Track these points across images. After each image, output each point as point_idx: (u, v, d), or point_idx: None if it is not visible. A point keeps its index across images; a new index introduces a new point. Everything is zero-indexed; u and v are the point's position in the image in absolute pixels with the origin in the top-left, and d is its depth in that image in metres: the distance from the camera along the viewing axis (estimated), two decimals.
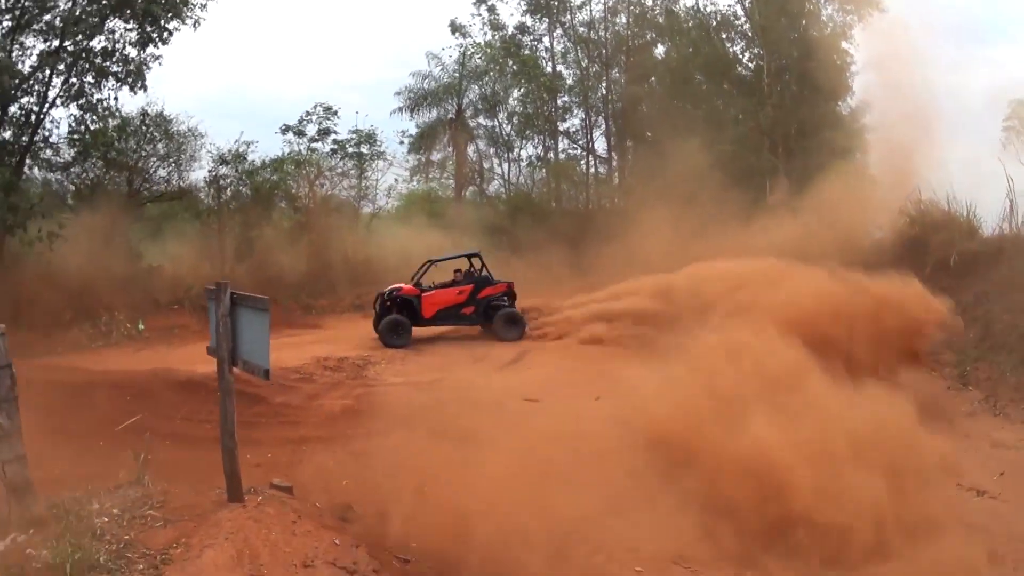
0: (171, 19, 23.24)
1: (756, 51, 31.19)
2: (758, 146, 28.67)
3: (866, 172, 25.61)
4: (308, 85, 54.82)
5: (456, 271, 22.22)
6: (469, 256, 22.53)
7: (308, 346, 20.29)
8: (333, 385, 16.63)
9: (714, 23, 31.77)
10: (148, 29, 23.14)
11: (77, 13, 22.23)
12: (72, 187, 25.71)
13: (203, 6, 23.82)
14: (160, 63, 24.17)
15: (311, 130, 30.45)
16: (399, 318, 20.86)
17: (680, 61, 32.00)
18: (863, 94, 28.68)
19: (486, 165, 35.35)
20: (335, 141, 30.60)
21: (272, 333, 20.24)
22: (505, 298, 21.84)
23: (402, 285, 21.60)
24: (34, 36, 22.46)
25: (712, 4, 32.11)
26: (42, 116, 23.04)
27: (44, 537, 6.59)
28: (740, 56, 32.07)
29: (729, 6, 31.84)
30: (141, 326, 20.47)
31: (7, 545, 6.42)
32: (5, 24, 22.21)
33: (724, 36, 31.78)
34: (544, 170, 35.02)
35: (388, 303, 21.22)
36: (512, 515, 9.10)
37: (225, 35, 48.79)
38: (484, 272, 22.13)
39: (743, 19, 31.62)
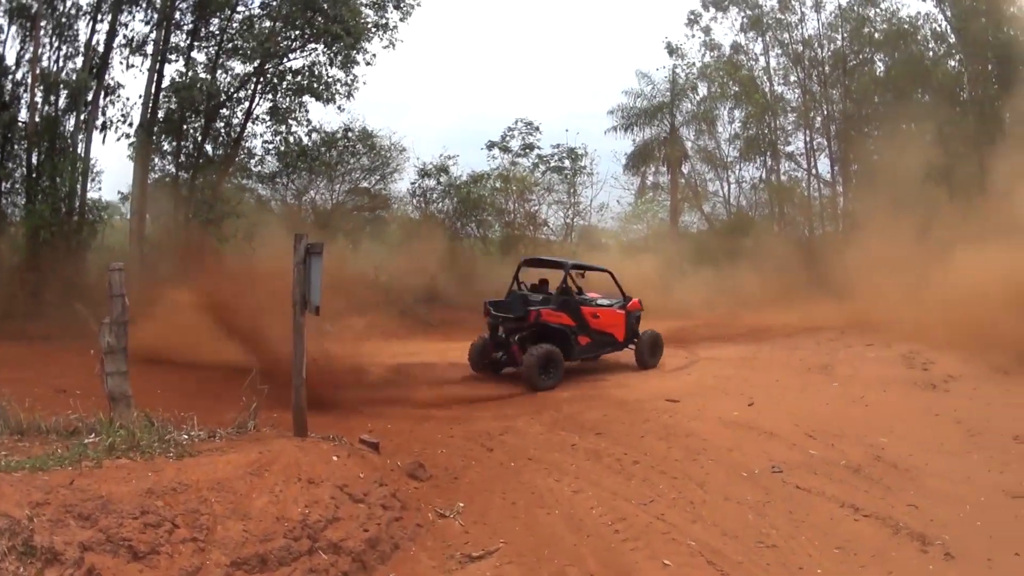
0: (359, 44, 24.90)
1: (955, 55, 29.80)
2: (964, 160, 26.87)
3: None
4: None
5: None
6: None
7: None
8: (490, 377, 16.83)
9: (907, 26, 30.48)
10: (349, 52, 24.90)
11: (277, 39, 24.38)
12: (278, 196, 27.86)
13: (394, 28, 25.58)
14: (363, 83, 26.06)
15: (514, 145, 31.30)
16: None
17: (897, 76, 30.66)
18: None
19: (706, 186, 35.10)
20: (538, 156, 31.36)
21: (466, 336, 21.21)
22: None
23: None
24: (237, 59, 25.01)
25: (904, 5, 31.25)
26: (242, 131, 25.61)
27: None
28: (938, 61, 30.50)
29: (926, 13, 30.85)
30: (328, 327, 21.66)
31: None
32: (210, 50, 24.97)
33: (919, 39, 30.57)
34: (765, 192, 34.28)
35: None
36: (571, 502, 9.01)
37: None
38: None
39: (941, 22, 30.38)
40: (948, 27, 30.25)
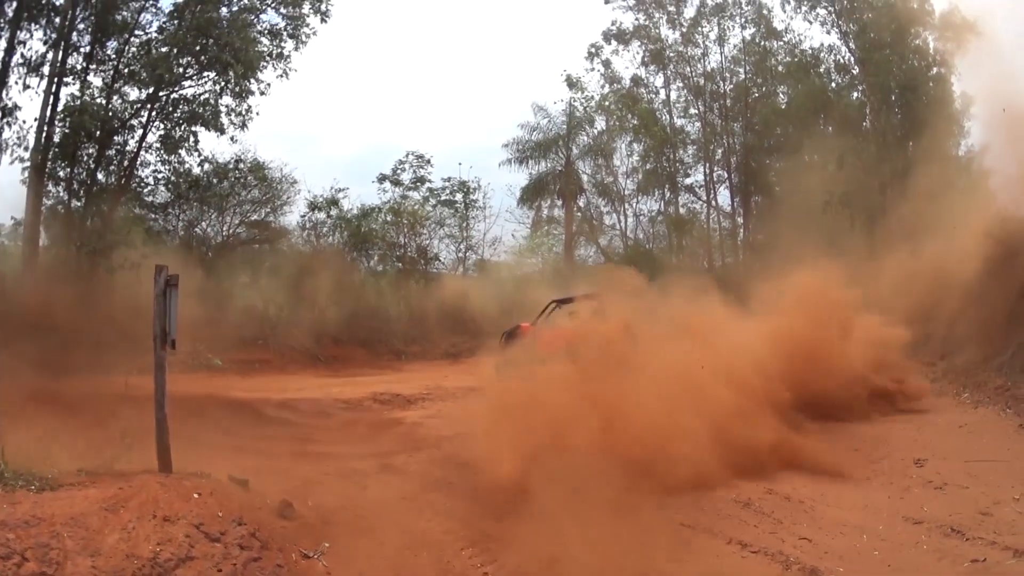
0: (250, 72, 24.64)
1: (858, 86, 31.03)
2: (866, 187, 27.77)
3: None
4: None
5: None
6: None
7: (378, 384, 20.75)
8: (369, 414, 17.08)
9: (809, 57, 31.66)
10: (241, 81, 24.60)
11: (170, 65, 23.86)
12: (170, 226, 27.29)
13: (288, 57, 25.47)
14: (256, 114, 25.70)
15: (406, 178, 31.46)
16: None
17: (799, 107, 31.49)
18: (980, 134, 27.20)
19: (602, 220, 35.48)
20: (428, 189, 31.56)
21: (353, 372, 20.90)
22: None
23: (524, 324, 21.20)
24: (133, 84, 24.35)
25: (808, 37, 32.35)
26: (135, 159, 25.07)
27: None
28: (841, 92, 31.55)
29: (829, 44, 31.86)
30: (218, 361, 21.44)
31: None
32: (107, 74, 24.32)
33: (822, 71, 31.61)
34: (664, 225, 34.83)
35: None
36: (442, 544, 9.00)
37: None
38: None
39: (844, 54, 31.45)
40: (852, 59, 31.32)
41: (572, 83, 34.34)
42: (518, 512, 9.22)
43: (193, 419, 14.51)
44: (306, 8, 25.47)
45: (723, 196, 34.84)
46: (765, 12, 33.24)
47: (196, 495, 8.04)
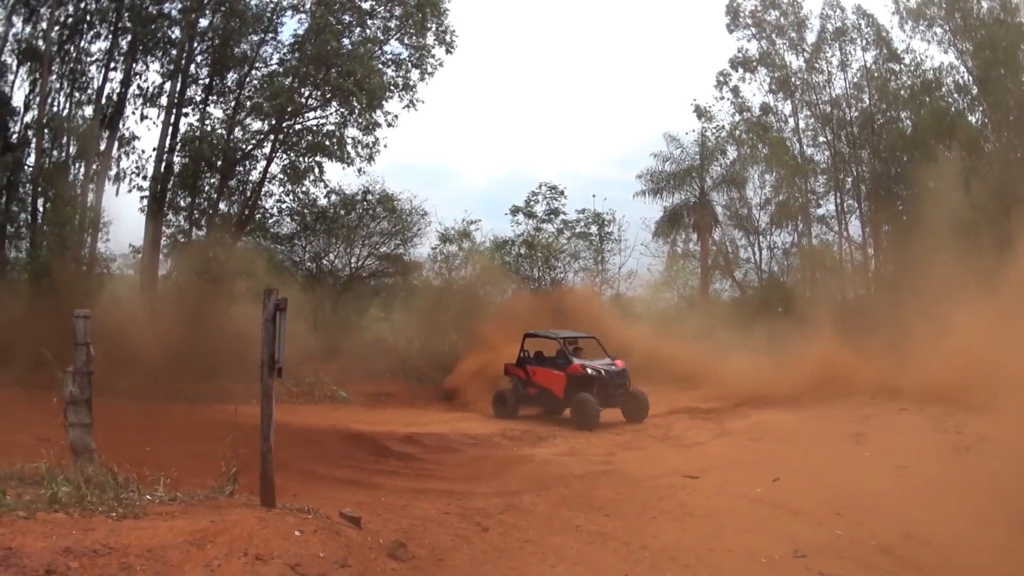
0: (376, 101, 24.68)
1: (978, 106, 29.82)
2: (991, 211, 26.13)
3: None
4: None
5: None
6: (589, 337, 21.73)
7: (509, 420, 20.03)
8: (498, 450, 16.20)
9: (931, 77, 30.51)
10: (366, 112, 24.69)
11: (293, 96, 24.13)
12: (296, 257, 27.25)
13: (414, 87, 25.44)
14: (384, 145, 25.77)
15: (539, 210, 30.71)
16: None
17: (923, 131, 30.14)
18: None
19: (738, 252, 34.31)
20: (563, 221, 30.71)
21: (484, 406, 20.33)
22: None
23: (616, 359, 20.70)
24: (255, 116, 24.71)
25: (928, 56, 31.22)
26: (259, 189, 25.40)
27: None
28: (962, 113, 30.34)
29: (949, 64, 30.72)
30: (343, 393, 21.16)
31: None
32: (228, 105, 24.86)
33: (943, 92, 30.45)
34: (798, 257, 33.50)
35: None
36: None
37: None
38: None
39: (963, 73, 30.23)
40: (970, 78, 30.09)
41: (701, 112, 33.30)
42: None
43: (311, 450, 14.40)
44: (430, 39, 25.35)
45: (854, 226, 33.27)
46: (884, 34, 32.13)
47: (298, 532, 7.36)
